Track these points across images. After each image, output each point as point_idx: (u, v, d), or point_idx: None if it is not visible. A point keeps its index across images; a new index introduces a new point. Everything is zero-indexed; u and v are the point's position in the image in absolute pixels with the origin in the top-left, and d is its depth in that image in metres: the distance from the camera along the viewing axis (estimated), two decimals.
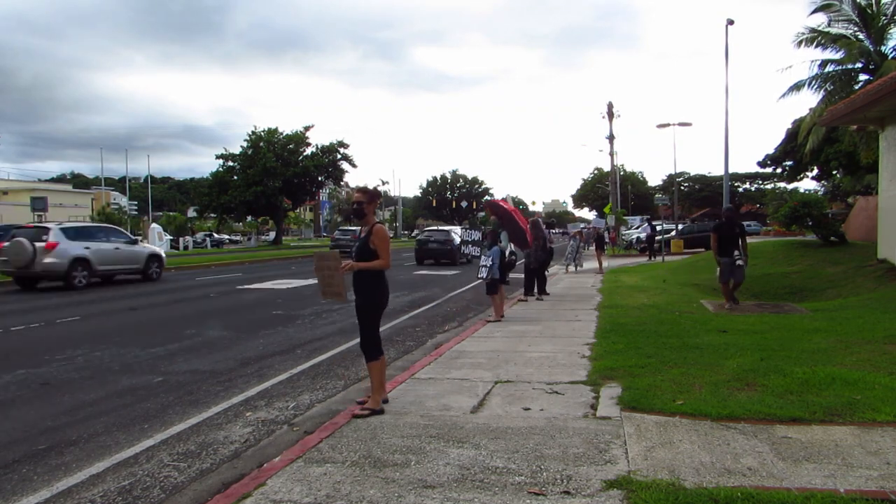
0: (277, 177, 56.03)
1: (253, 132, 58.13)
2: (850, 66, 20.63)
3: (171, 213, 69.45)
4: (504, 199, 13.65)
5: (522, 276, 13.75)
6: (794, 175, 55.40)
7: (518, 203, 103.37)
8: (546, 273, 14.35)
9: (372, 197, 5.25)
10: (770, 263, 18.04)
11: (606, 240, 29.58)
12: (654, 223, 31.03)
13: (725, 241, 10.89)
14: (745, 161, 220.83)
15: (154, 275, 19.40)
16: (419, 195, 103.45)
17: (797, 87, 21.20)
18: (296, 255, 35.59)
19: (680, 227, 37.03)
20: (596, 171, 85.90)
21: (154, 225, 47.05)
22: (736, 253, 10.72)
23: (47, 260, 16.10)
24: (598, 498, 3.36)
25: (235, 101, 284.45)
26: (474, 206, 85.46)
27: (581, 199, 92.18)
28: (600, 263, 22.00)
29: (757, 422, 4.50)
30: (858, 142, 19.98)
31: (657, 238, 27.78)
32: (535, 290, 13.14)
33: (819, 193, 38.68)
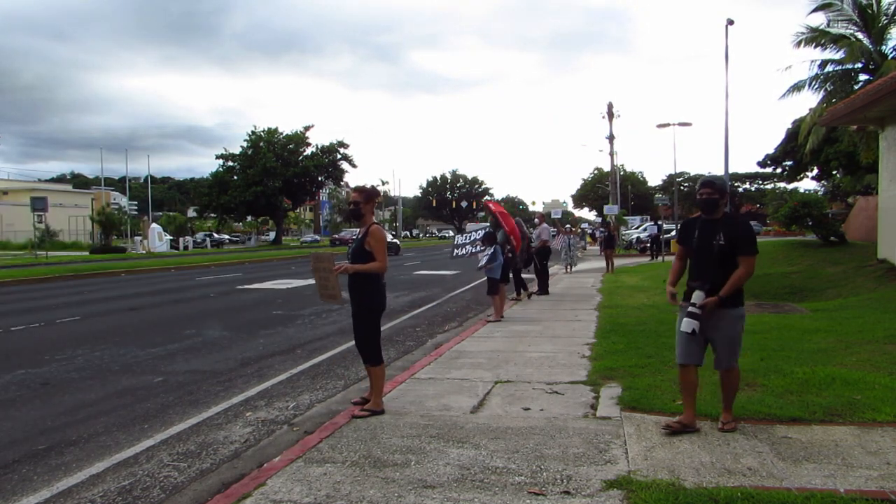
0: (277, 177, 56.11)
1: (253, 132, 58.23)
2: (850, 66, 20.61)
3: (171, 213, 69.45)
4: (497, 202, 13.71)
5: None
6: (794, 175, 55.44)
7: (518, 203, 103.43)
8: (545, 271, 14.36)
9: (369, 196, 5.13)
10: (770, 263, 18.05)
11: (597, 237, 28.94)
12: (659, 223, 31.05)
13: (694, 260, 4.41)
14: (745, 161, 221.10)
15: None
16: (419, 195, 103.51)
17: (797, 87, 21.18)
18: (295, 256, 35.61)
19: (680, 227, 36.93)
20: (596, 171, 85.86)
21: (154, 225, 47.11)
22: (697, 296, 4.20)
23: None
24: (598, 498, 3.36)
25: (235, 102, 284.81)
26: (474, 206, 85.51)
27: (581, 199, 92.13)
28: (610, 264, 20.99)
29: (757, 422, 4.50)
30: (858, 142, 19.98)
31: (659, 238, 27.80)
32: (523, 288, 13.14)
33: (819, 193, 38.73)
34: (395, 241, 43.02)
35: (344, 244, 45.61)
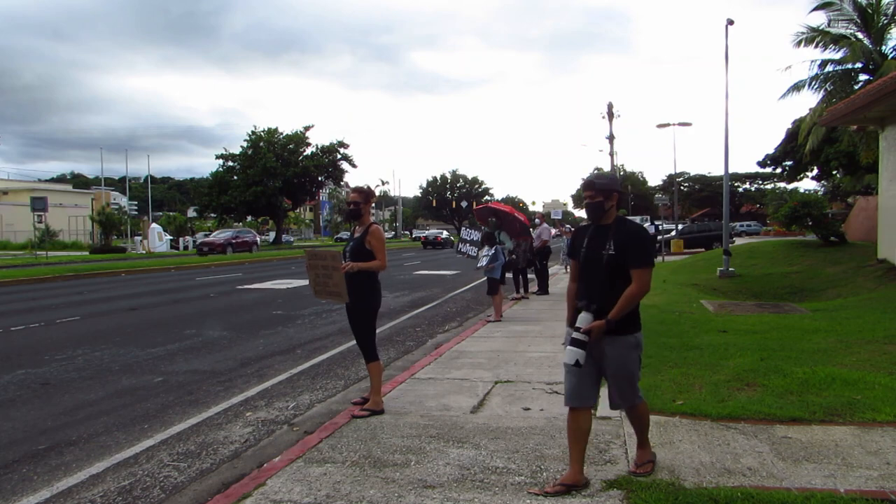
0: (277, 177, 56.06)
1: (253, 132, 58.17)
2: (850, 66, 20.61)
3: (171, 213, 69.36)
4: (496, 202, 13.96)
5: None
6: (794, 175, 55.46)
7: (518, 203, 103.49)
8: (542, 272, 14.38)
9: (367, 196, 5.20)
10: (770, 263, 18.05)
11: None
12: (656, 223, 31.11)
13: (582, 275, 3.67)
14: (745, 161, 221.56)
15: None
16: (419, 195, 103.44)
17: (797, 87, 21.17)
18: (296, 256, 35.59)
19: (680, 227, 37.08)
20: (596, 172, 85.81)
21: (154, 225, 47.10)
22: (583, 318, 3.45)
23: None
24: (598, 498, 3.36)
25: (235, 102, 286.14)
26: (474, 206, 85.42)
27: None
28: None
29: (757, 422, 4.50)
30: (858, 142, 19.97)
31: (657, 238, 27.86)
32: (523, 288, 13.19)
33: (819, 193, 38.66)
34: (451, 237, 49.80)
35: (214, 252, 36.96)
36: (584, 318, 3.44)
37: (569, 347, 3.45)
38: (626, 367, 3.55)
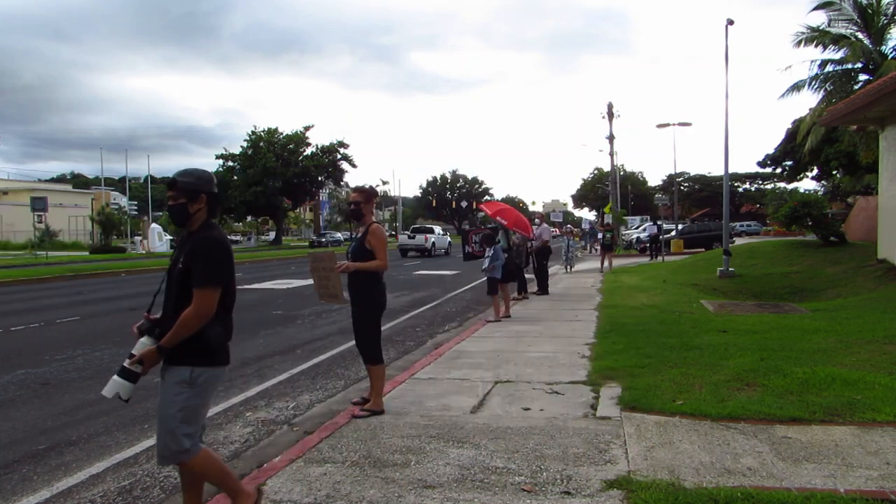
0: (277, 177, 56.20)
1: (253, 132, 58.31)
2: (849, 66, 20.61)
3: None
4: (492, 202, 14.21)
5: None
6: (794, 175, 55.47)
7: (518, 203, 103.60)
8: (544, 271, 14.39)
9: (369, 196, 5.15)
10: (770, 263, 18.05)
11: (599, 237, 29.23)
12: (658, 223, 31.16)
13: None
14: (745, 161, 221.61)
15: None
16: (419, 195, 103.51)
17: (797, 87, 21.16)
18: (296, 256, 35.61)
19: (680, 227, 37.13)
20: (596, 171, 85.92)
21: (154, 225, 47.11)
22: (139, 344, 3.11)
23: None
24: (598, 498, 3.36)
25: (235, 102, 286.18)
26: (474, 206, 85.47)
27: (581, 199, 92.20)
28: (609, 263, 21.20)
29: (757, 422, 4.50)
30: (858, 142, 19.97)
31: (659, 238, 27.87)
32: (524, 288, 13.24)
33: (819, 193, 38.65)
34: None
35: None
36: (140, 344, 2.95)
37: (113, 377, 2.89)
38: (165, 405, 2.94)
